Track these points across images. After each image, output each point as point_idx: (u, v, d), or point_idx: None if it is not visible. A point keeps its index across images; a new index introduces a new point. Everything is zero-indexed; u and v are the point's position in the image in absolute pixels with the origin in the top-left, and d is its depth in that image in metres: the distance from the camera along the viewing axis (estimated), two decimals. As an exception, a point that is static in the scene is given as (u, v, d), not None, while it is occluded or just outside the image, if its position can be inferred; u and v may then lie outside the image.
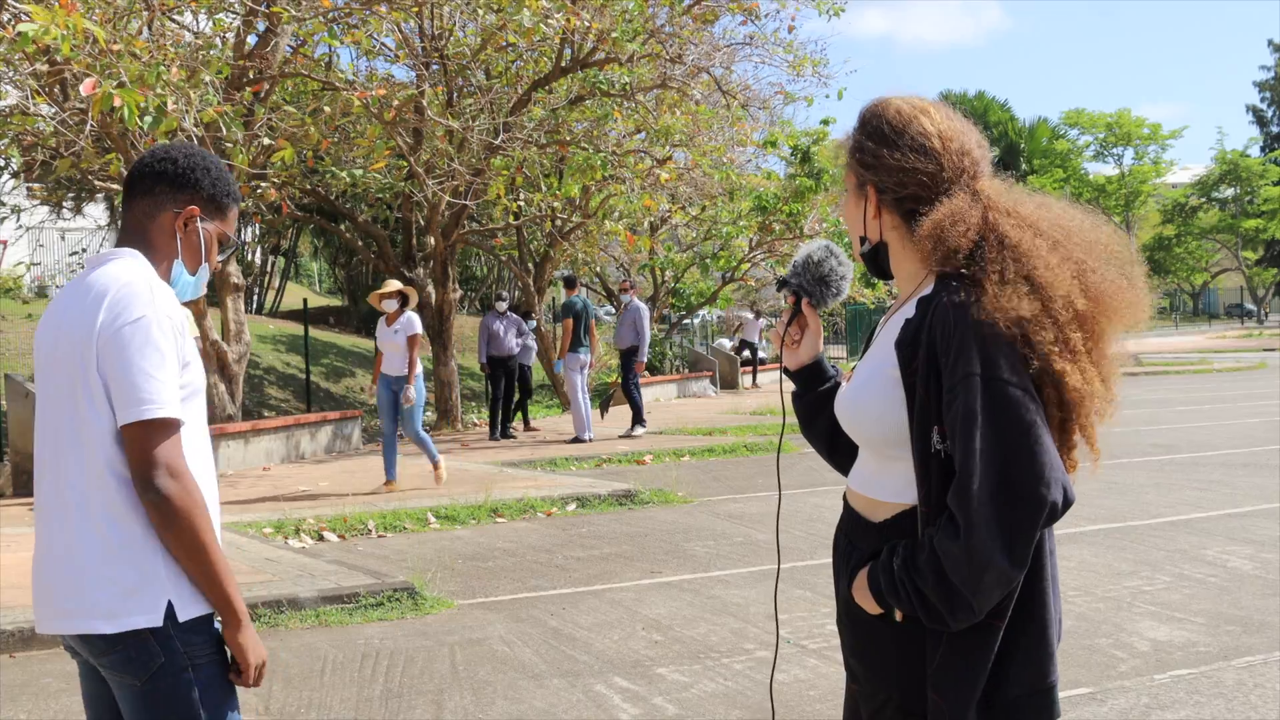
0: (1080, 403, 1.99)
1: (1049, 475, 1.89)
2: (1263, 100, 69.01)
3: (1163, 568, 7.08)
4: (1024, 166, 55.87)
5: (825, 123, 22.22)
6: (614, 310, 23.87)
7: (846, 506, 2.22)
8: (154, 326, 2.18)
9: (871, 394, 2.07)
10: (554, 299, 22.32)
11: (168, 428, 2.16)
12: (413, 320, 10.12)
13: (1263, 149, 64.84)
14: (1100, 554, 7.50)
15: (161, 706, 2.19)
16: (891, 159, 2.09)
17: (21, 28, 6.71)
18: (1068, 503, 1.92)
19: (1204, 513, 8.90)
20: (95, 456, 2.19)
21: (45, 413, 2.30)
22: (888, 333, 2.12)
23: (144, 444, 2.14)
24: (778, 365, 2.39)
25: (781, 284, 2.30)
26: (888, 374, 2.04)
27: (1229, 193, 58.44)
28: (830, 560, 2.26)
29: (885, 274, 2.20)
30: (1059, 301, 1.97)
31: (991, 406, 1.89)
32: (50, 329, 2.31)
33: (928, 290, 2.05)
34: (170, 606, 2.18)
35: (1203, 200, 58.66)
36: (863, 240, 2.17)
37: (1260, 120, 68.98)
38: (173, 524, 2.15)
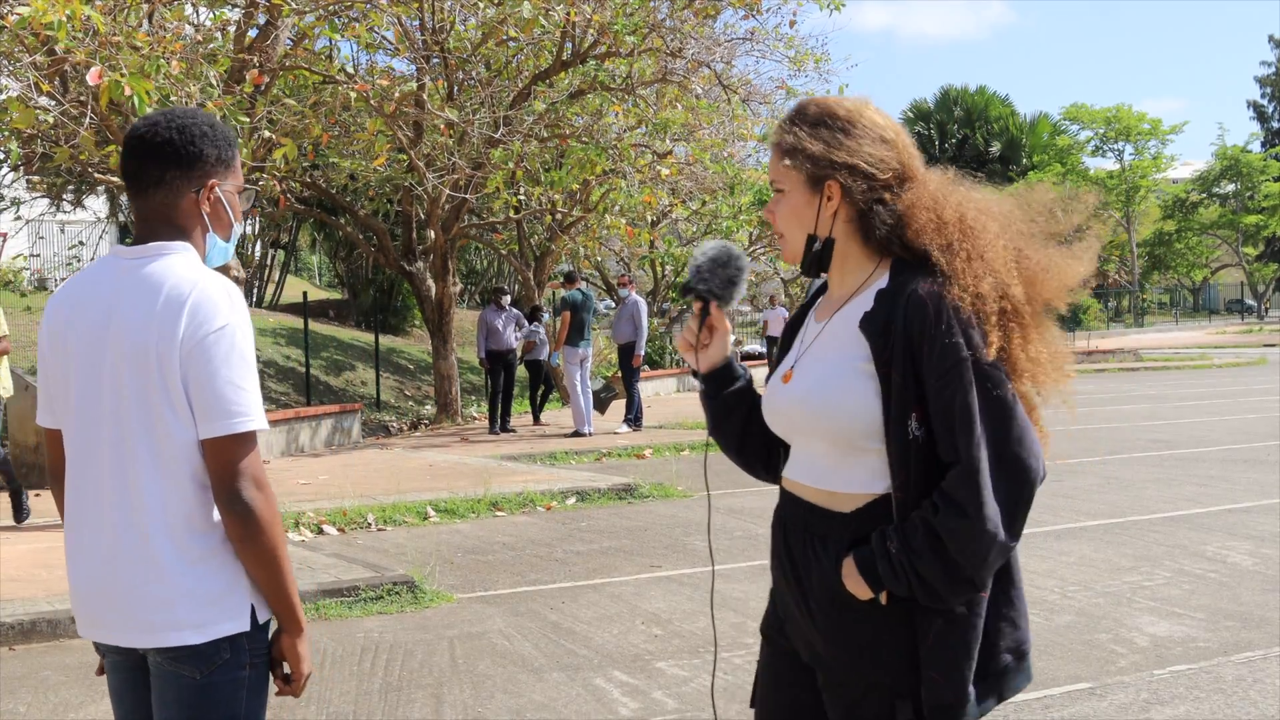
0: (1029, 373, 2.07)
1: (1035, 449, 2.00)
2: (1263, 96, 68.89)
3: (1162, 563, 7.08)
4: (1025, 161, 55.77)
5: None
6: (614, 305, 23.87)
7: (794, 501, 2.21)
8: (238, 334, 2.13)
9: (843, 388, 2.08)
10: (554, 293, 22.32)
11: (253, 440, 2.12)
12: None
13: (1263, 145, 64.69)
14: (1100, 549, 7.50)
15: (208, 702, 2.17)
16: (860, 152, 2.11)
17: (19, 10, 6.70)
18: (1044, 474, 2.04)
19: (1204, 508, 8.90)
20: (179, 468, 2.13)
21: (96, 410, 2.19)
22: (841, 327, 2.13)
23: (230, 456, 2.10)
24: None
25: (686, 290, 2.29)
26: (858, 367, 2.07)
27: (1229, 188, 58.33)
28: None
29: (822, 270, 2.21)
30: (1004, 279, 2.05)
31: (983, 389, 1.97)
32: (96, 315, 2.19)
33: (883, 282, 2.10)
34: (253, 610, 2.19)
35: (1203, 196, 58.56)
36: (812, 238, 2.16)
37: (1261, 116, 68.87)
38: (255, 536, 2.12)
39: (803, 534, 2.16)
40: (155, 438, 2.14)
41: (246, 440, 2.11)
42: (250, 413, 2.11)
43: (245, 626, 2.17)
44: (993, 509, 1.95)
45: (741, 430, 2.34)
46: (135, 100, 7.00)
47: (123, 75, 7.15)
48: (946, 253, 2.05)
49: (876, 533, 2.04)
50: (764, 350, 26.48)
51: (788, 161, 2.14)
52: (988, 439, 1.96)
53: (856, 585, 2.05)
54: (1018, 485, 1.97)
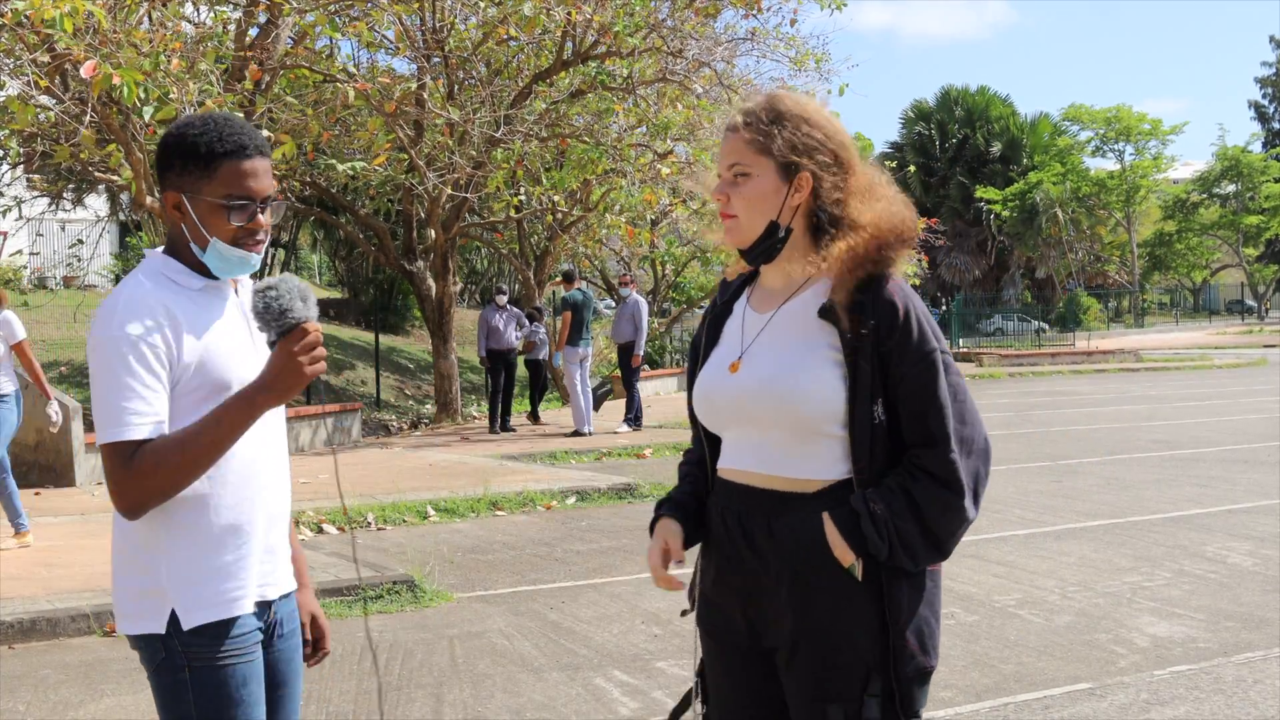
0: None
1: (983, 425, 2.19)
2: (1264, 96, 68.89)
3: (1163, 564, 7.07)
4: (1025, 161, 55.75)
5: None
6: (614, 304, 23.87)
7: (745, 491, 2.22)
8: (109, 347, 2.13)
9: (813, 374, 2.13)
10: (554, 293, 22.33)
11: (117, 450, 2.11)
12: (11, 322, 7.62)
13: (1264, 145, 64.69)
14: (1100, 549, 7.50)
15: (162, 699, 2.24)
16: (828, 149, 2.19)
17: (13, 4, 6.70)
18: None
19: (1204, 509, 8.90)
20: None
21: None
22: (795, 317, 2.20)
23: (106, 466, 2.14)
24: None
25: (288, 329, 2.16)
26: (826, 355, 2.13)
27: (1230, 189, 58.32)
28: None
29: (770, 260, 2.24)
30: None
31: (949, 375, 2.14)
32: None
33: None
34: (174, 615, 2.20)
35: (1204, 196, 58.55)
36: (775, 226, 2.19)
37: (1262, 116, 68.87)
38: (171, 493, 2.14)
39: (766, 520, 2.17)
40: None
41: (109, 451, 2.12)
42: (107, 424, 2.12)
43: (159, 629, 2.19)
44: (968, 483, 2.11)
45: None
46: (125, 90, 7.00)
47: (115, 66, 7.15)
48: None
49: (856, 495, 2.11)
50: None
51: (762, 147, 2.17)
52: (958, 419, 2.12)
53: (840, 548, 2.10)
54: (978, 461, 2.14)
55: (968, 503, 2.11)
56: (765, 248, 2.21)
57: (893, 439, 2.13)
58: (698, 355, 2.37)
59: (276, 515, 2.36)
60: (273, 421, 2.37)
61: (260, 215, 2.26)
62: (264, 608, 2.33)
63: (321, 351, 2.17)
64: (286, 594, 2.41)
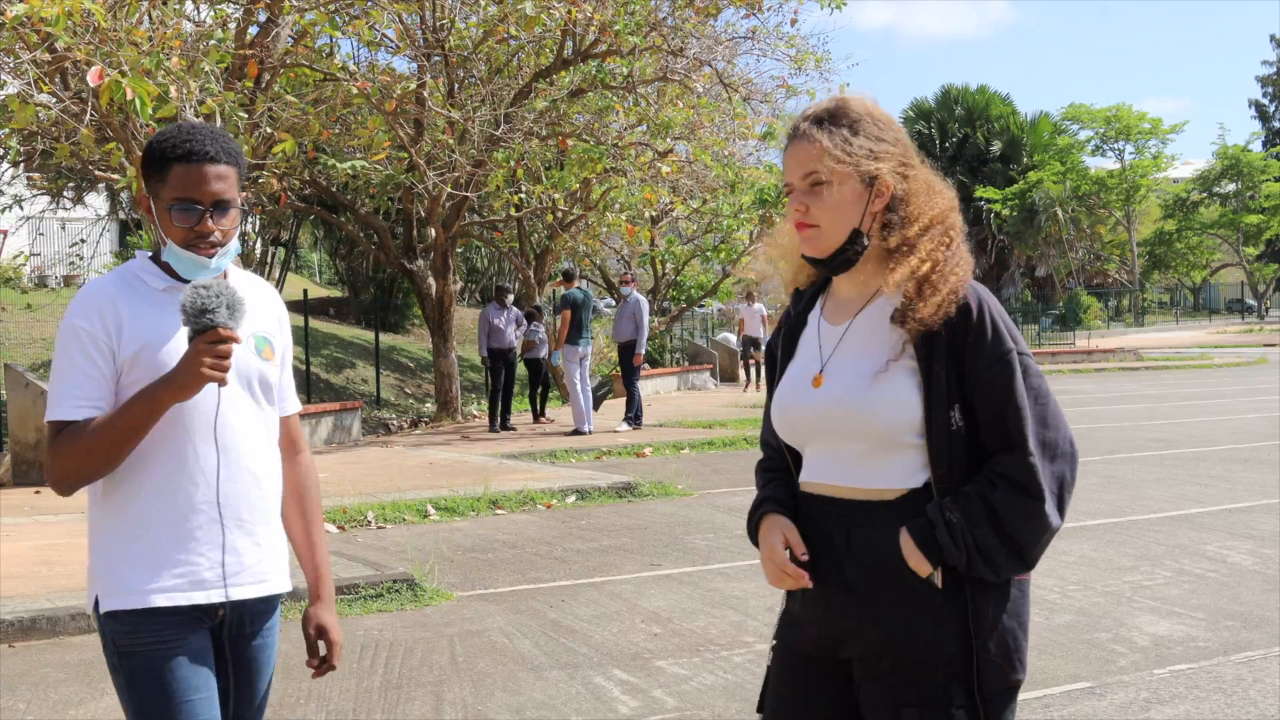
0: None
1: (1068, 430, 2.12)
2: (1265, 95, 68.85)
3: (1163, 563, 7.08)
4: (1025, 160, 55.74)
5: None
6: (614, 303, 23.87)
7: (826, 501, 2.18)
8: (60, 335, 2.30)
9: (892, 387, 2.09)
10: (555, 292, 22.34)
11: (49, 428, 2.27)
12: None
13: (1264, 144, 64.67)
14: (1100, 548, 7.50)
15: (112, 680, 2.34)
16: (896, 153, 2.16)
17: (14, 9, 6.69)
18: (1078, 451, 2.19)
19: (1204, 508, 8.90)
20: None
21: None
22: (871, 325, 2.15)
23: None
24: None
25: (202, 330, 2.17)
26: (903, 365, 2.09)
27: (1230, 188, 58.29)
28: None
29: (848, 268, 2.20)
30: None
31: (1029, 378, 2.09)
32: None
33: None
34: (96, 599, 2.31)
35: (1204, 195, 58.52)
36: (858, 234, 2.16)
37: (1262, 115, 68.84)
38: (85, 476, 2.24)
39: (845, 531, 2.14)
40: None
41: (51, 430, 2.27)
42: (50, 406, 2.29)
43: (89, 609, 2.33)
44: (1051, 488, 2.06)
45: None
46: (137, 103, 6.99)
47: (123, 75, 7.14)
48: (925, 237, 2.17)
49: (932, 504, 2.07)
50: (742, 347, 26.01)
51: (840, 153, 2.12)
52: (1038, 423, 2.08)
53: (915, 559, 2.06)
54: (1063, 465, 2.09)
55: (1050, 509, 2.05)
56: (846, 257, 2.17)
57: (974, 445, 2.09)
58: (774, 369, 2.33)
59: (244, 518, 2.34)
60: (227, 418, 2.32)
61: (210, 220, 2.27)
62: (216, 605, 2.32)
63: (227, 364, 2.18)
64: (264, 597, 2.40)
